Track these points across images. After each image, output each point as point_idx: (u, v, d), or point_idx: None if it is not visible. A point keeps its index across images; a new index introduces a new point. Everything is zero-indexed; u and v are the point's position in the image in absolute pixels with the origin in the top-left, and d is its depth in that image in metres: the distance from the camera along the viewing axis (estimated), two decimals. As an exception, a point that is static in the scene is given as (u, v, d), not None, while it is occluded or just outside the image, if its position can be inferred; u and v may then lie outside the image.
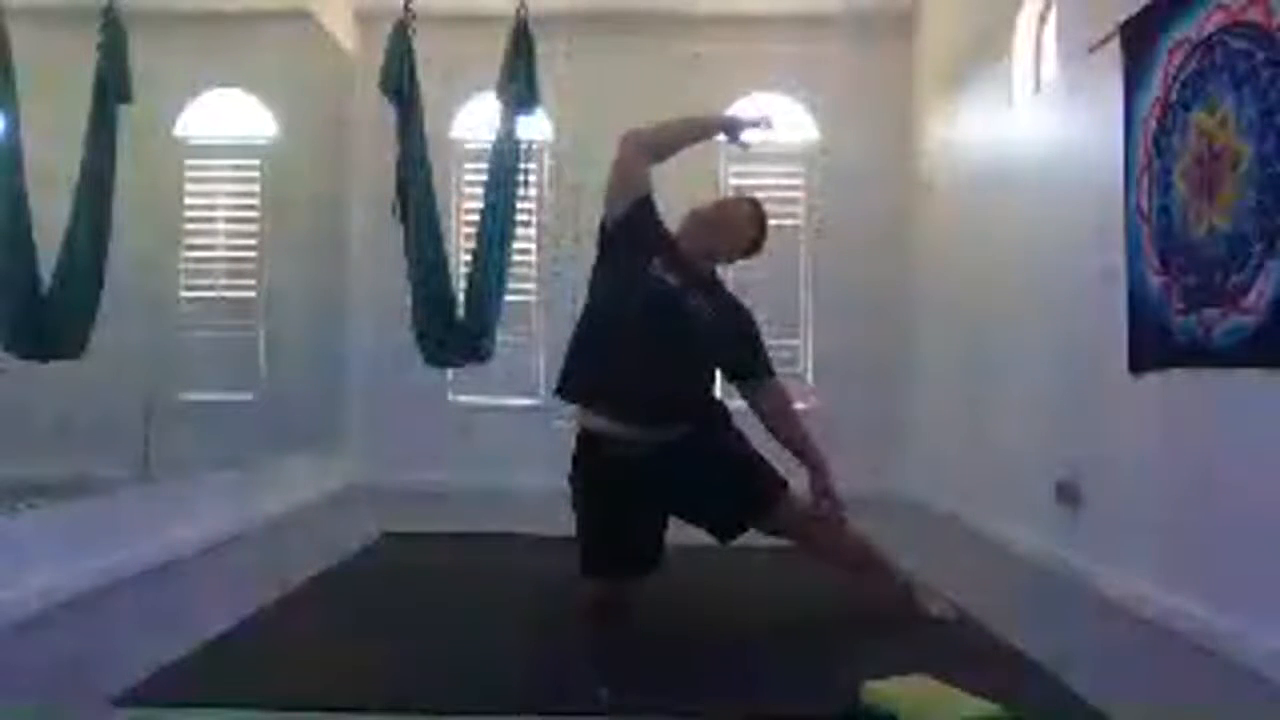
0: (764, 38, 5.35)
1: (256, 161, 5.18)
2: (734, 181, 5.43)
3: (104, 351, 3.78)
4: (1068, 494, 3.23)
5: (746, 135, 2.81)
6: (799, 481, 2.63)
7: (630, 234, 2.59)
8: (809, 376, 5.40)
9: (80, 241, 3.74)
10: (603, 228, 2.66)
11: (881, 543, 2.76)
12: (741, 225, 2.69)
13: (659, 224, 2.66)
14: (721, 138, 2.89)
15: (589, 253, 2.74)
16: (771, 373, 2.70)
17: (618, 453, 2.51)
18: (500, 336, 4.59)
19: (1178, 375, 2.63)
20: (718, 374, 2.75)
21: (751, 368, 2.68)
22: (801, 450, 2.65)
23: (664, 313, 2.50)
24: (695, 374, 2.62)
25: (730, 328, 2.63)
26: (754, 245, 2.73)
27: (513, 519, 3.90)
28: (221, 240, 5.22)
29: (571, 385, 2.56)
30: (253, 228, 5.15)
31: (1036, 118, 3.77)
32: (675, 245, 2.63)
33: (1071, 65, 3.40)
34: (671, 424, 2.52)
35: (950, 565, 3.32)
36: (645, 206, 2.63)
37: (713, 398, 2.74)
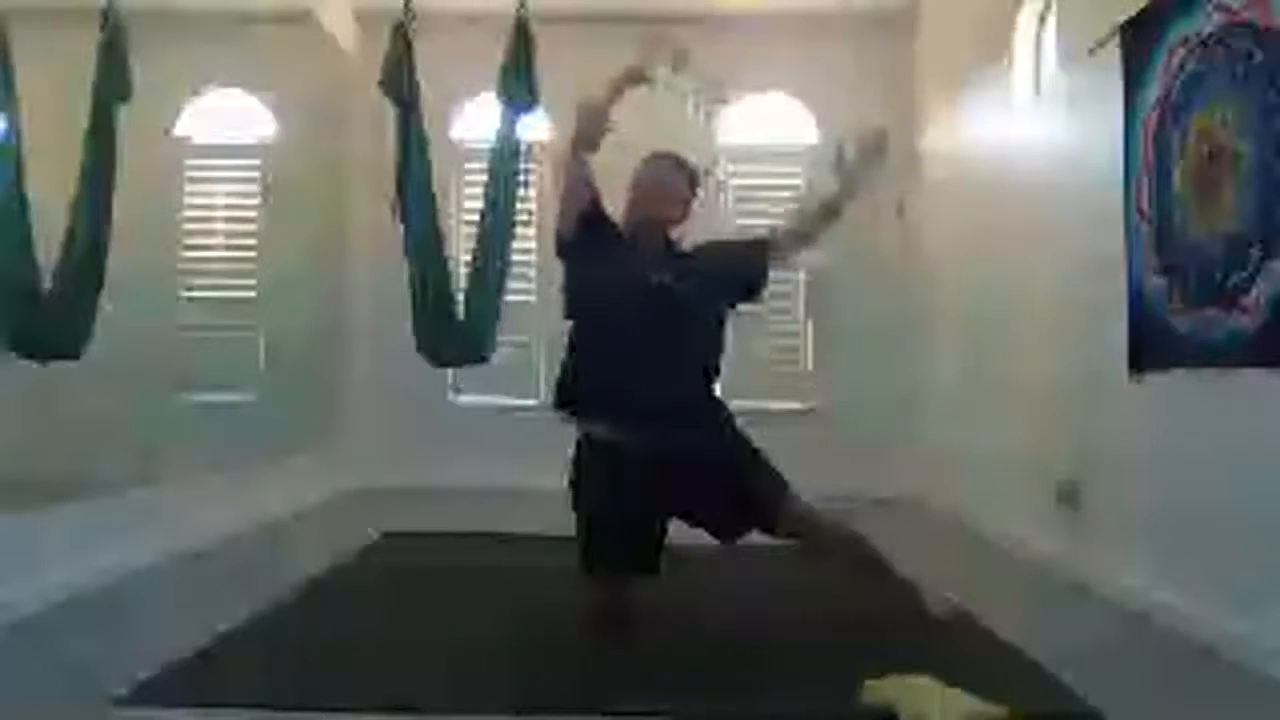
0: (764, 37, 5.35)
1: (256, 161, 5.18)
2: (734, 181, 5.44)
3: (104, 352, 3.78)
4: (1068, 494, 3.23)
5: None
6: (798, 483, 2.63)
7: (588, 245, 2.62)
8: (809, 376, 5.40)
9: (80, 241, 3.75)
10: (559, 244, 2.69)
11: (882, 543, 2.76)
12: (675, 184, 2.68)
13: (611, 224, 2.68)
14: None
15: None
16: (778, 253, 2.71)
17: (618, 455, 2.52)
18: (500, 336, 4.60)
19: (1178, 375, 2.63)
20: (714, 373, 2.74)
21: (757, 271, 2.68)
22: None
23: (644, 306, 2.51)
24: (690, 362, 2.60)
25: (708, 280, 2.62)
26: (693, 189, 2.72)
27: (513, 519, 3.90)
28: (221, 240, 5.23)
29: (570, 398, 2.58)
30: (252, 228, 5.15)
31: (1036, 118, 3.77)
32: (627, 234, 2.65)
33: (1071, 65, 3.40)
34: (673, 423, 2.52)
35: (950, 565, 3.32)
36: (594, 212, 2.65)
37: (713, 396, 2.73)
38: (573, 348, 2.62)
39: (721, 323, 2.70)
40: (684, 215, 2.70)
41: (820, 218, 2.72)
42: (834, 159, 2.66)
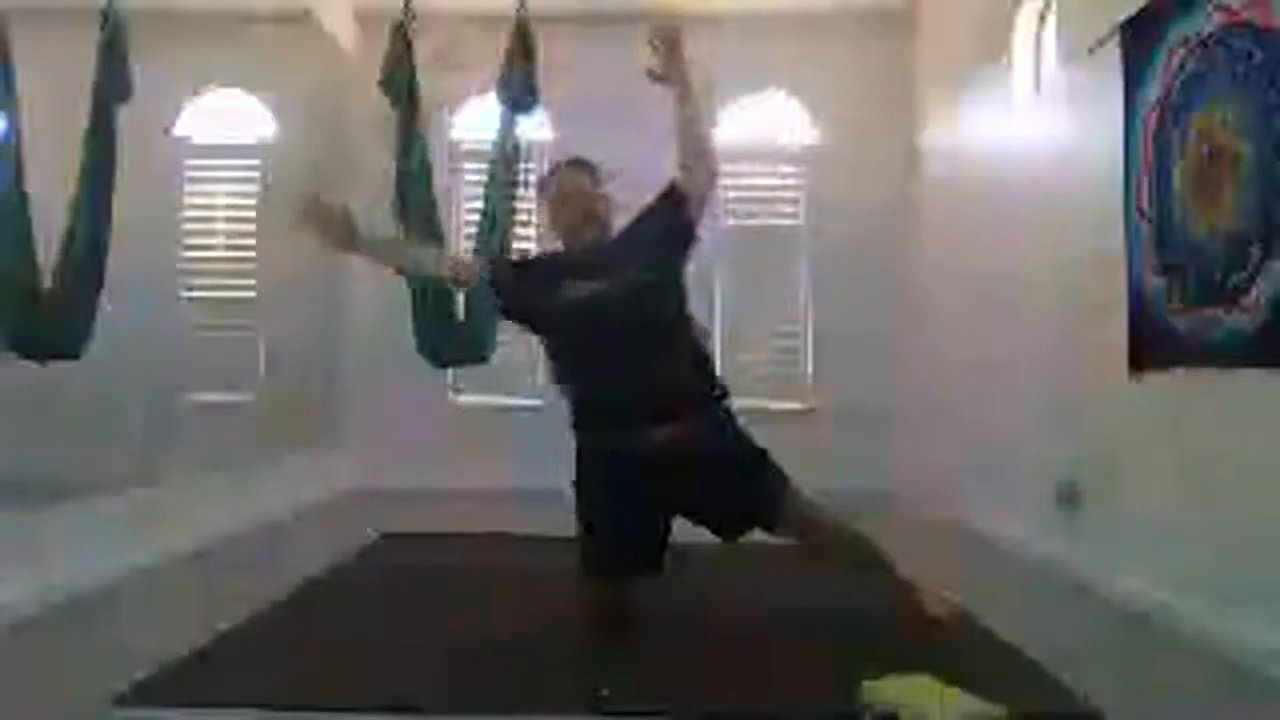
0: (764, 38, 5.35)
1: (256, 161, 5.18)
2: (732, 181, 5.45)
3: (104, 351, 3.78)
4: (1068, 494, 3.23)
5: None
6: (798, 483, 2.62)
7: (532, 294, 2.63)
8: (809, 376, 5.40)
9: (80, 241, 3.75)
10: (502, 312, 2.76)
11: (881, 542, 2.76)
12: (584, 185, 2.67)
13: (539, 261, 2.71)
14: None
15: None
16: (686, 188, 2.65)
17: (619, 460, 2.52)
18: (500, 336, 4.60)
19: (1178, 375, 2.63)
20: (702, 350, 2.71)
21: (682, 220, 2.64)
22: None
23: (612, 312, 2.50)
24: (675, 348, 2.59)
25: (652, 257, 2.60)
26: (596, 183, 2.71)
27: (512, 519, 3.90)
28: (221, 240, 5.23)
29: (583, 423, 2.60)
30: (252, 228, 5.16)
31: (1036, 117, 3.77)
32: (565, 249, 2.66)
33: (1071, 65, 3.40)
34: (673, 418, 2.51)
35: (950, 566, 3.31)
36: (511, 272, 2.69)
37: (714, 388, 2.72)
38: (564, 384, 2.63)
39: (681, 288, 2.67)
40: (606, 209, 2.69)
41: (689, 131, 2.68)
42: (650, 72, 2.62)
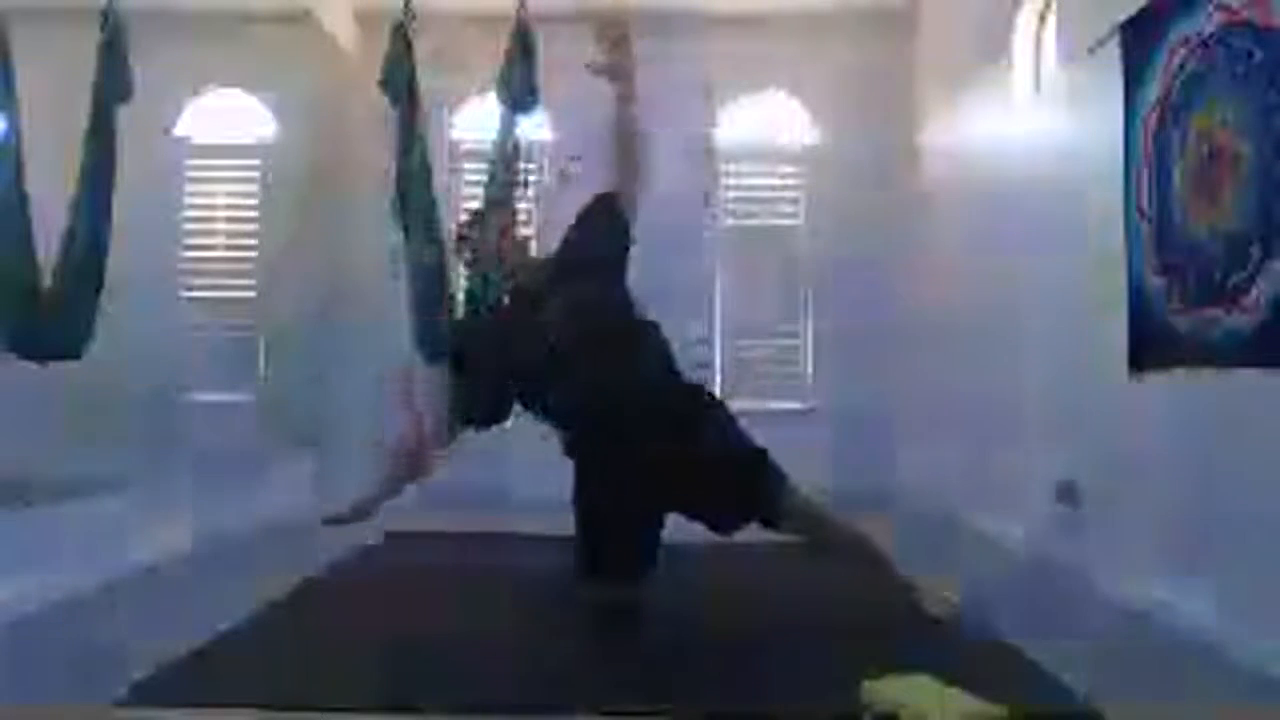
0: (763, 38, 5.34)
1: (256, 161, 5.19)
2: (732, 181, 5.45)
3: (104, 351, 3.79)
4: (1068, 494, 3.23)
5: None
6: (799, 479, 2.62)
7: (505, 355, 2.62)
8: (809, 376, 5.40)
9: (80, 241, 3.75)
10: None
11: (881, 542, 2.76)
12: (489, 235, 2.72)
13: (489, 327, 2.75)
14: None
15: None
16: (622, 185, 2.67)
17: (615, 463, 2.52)
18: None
19: (1178, 375, 2.63)
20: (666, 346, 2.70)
21: (622, 222, 2.64)
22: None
23: (577, 334, 2.51)
24: (642, 346, 2.59)
25: (597, 262, 2.60)
26: (510, 226, 2.78)
27: (514, 519, 3.90)
28: (221, 240, 5.24)
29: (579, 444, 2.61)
30: (253, 228, 5.16)
31: (1036, 117, 3.77)
32: (514, 289, 2.67)
33: (1071, 65, 3.40)
34: (660, 416, 2.50)
35: (950, 565, 3.31)
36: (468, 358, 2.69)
37: (700, 390, 2.72)
38: (556, 424, 2.63)
39: (624, 285, 2.67)
40: (520, 247, 2.71)
41: (627, 131, 2.67)
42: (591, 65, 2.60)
